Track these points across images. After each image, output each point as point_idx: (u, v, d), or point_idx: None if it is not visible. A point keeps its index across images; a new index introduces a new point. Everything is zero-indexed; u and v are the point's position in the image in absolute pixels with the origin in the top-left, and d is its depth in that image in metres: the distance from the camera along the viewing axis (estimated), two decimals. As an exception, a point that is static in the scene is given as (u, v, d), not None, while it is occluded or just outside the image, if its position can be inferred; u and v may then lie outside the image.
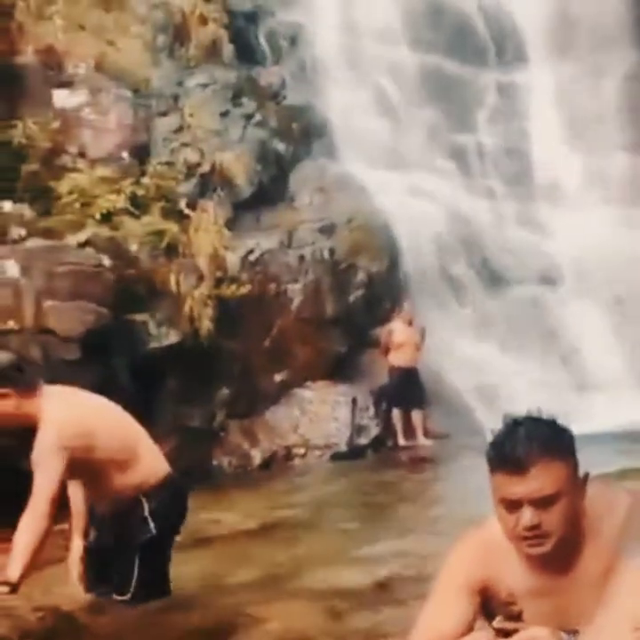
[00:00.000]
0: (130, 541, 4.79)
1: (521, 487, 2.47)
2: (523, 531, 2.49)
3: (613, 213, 13.25)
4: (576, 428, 9.20)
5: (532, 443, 2.49)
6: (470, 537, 2.79)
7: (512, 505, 2.50)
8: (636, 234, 13.08)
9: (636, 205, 13.34)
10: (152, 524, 4.80)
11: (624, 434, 10.53)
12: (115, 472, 4.73)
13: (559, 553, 2.53)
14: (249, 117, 14.11)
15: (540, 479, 2.47)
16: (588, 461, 2.63)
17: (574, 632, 2.40)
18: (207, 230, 12.83)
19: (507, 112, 14.55)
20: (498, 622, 2.51)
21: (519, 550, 2.56)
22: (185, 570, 5.49)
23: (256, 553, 6.86)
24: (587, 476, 2.58)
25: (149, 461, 4.90)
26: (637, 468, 8.00)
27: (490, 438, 2.56)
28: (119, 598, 4.77)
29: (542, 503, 2.48)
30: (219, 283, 12.44)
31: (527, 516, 2.47)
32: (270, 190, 13.50)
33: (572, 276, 12.98)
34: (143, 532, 4.79)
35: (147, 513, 4.80)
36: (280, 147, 13.96)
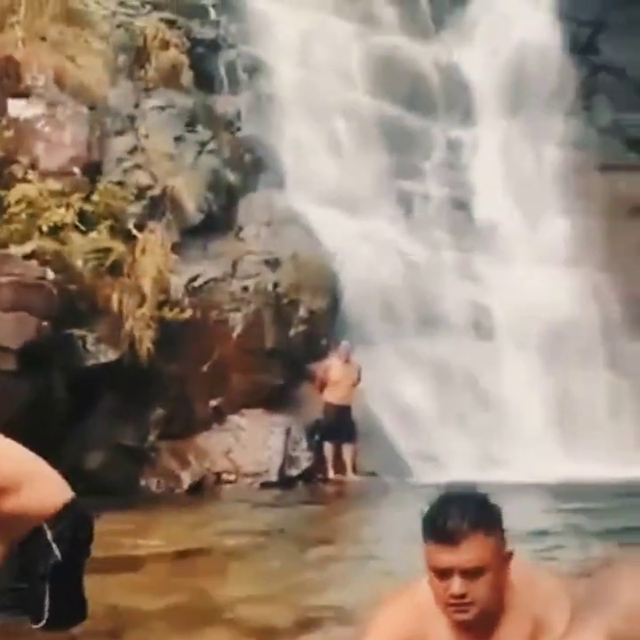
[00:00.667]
0: (37, 568, 4.70)
1: (451, 558, 2.63)
2: (450, 598, 2.65)
3: (548, 273, 13.70)
4: (499, 476, 9.54)
5: (464, 518, 2.64)
6: (400, 597, 2.92)
7: (443, 573, 2.65)
8: (567, 295, 13.57)
9: (569, 267, 13.82)
10: (57, 551, 4.71)
11: (545, 486, 10.89)
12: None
13: (482, 621, 2.70)
14: (203, 144, 14.31)
15: (469, 552, 2.63)
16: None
17: None
18: (153, 252, 12.94)
19: (453, 165, 14.97)
20: None
21: (446, 615, 2.72)
22: (99, 595, 5.42)
23: (176, 580, 6.78)
24: (511, 552, 2.74)
25: (46, 488, 4.82)
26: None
27: (424, 510, 2.72)
28: (34, 626, 4.70)
29: (470, 574, 2.63)
30: (161, 305, 12.57)
31: (456, 584, 2.63)
32: (219, 219, 13.69)
33: (505, 329, 13.38)
34: (48, 559, 4.69)
35: (50, 539, 4.71)
36: (231, 176, 14.16)
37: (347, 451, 12.51)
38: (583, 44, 15.78)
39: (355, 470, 12.47)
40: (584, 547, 7.31)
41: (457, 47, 15.75)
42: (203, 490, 11.75)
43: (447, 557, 2.64)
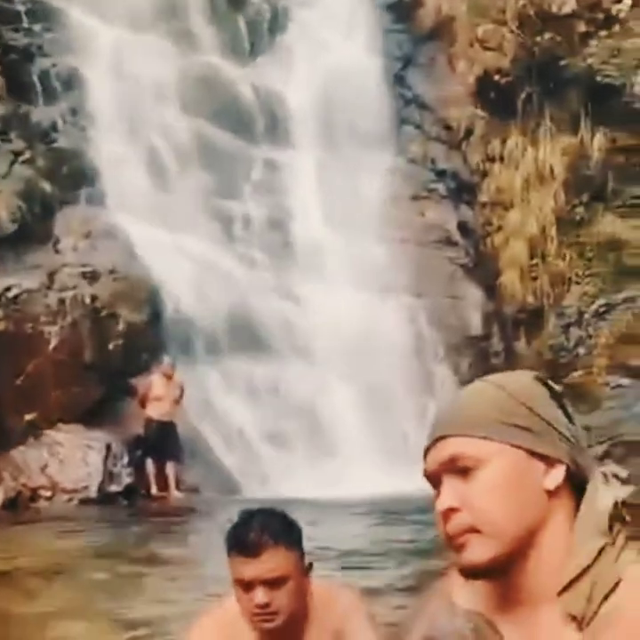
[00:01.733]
0: None
1: (253, 569, 2.80)
2: (255, 608, 2.81)
3: (365, 297, 14.04)
4: (324, 493, 9.68)
5: (264, 531, 2.82)
6: (210, 613, 3.10)
7: (246, 585, 2.82)
8: (384, 319, 13.95)
9: (385, 292, 14.21)
10: None
11: (364, 502, 11.13)
12: None
13: (287, 631, 2.86)
14: (17, 154, 13.92)
15: (270, 563, 2.80)
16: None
17: None
18: (-36, 262, 12.51)
19: (271, 188, 15.13)
20: None
21: (253, 626, 2.87)
22: None
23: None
24: (311, 564, 2.95)
25: None
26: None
27: (228, 526, 2.91)
28: None
29: (272, 584, 2.80)
30: (-27, 316, 12.12)
31: (259, 594, 2.79)
32: (35, 230, 13.33)
33: (323, 350, 13.60)
34: None
35: None
36: (47, 188, 13.82)
37: (170, 467, 12.37)
38: (394, 77, 16.30)
39: (178, 487, 12.35)
40: (402, 564, 7.47)
41: (274, 72, 15.95)
42: (18, 506, 11.33)
43: (249, 569, 2.79)
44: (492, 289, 15.05)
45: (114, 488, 12.00)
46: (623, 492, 1.62)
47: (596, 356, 13.89)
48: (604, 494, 1.60)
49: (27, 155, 14.02)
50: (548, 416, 1.62)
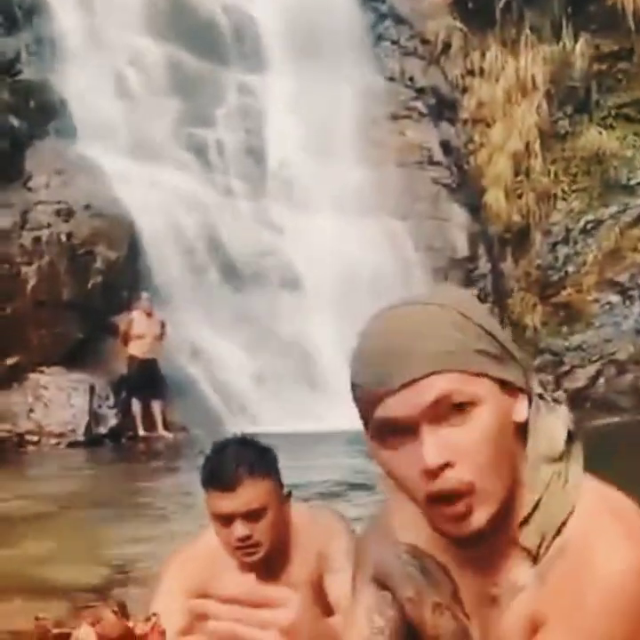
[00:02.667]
0: None
1: (230, 503, 2.72)
2: (236, 542, 2.75)
3: (345, 222, 13.74)
4: (310, 426, 9.56)
5: (239, 463, 2.73)
6: (190, 547, 3.04)
7: (225, 519, 2.75)
8: (365, 243, 13.67)
9: (366, 216, 13.91)
10: None
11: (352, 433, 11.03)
12: None
13: (270, 561, 2.82)
14: (-19, 88, 13.46)
15: (247, 495, 2.73)
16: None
17: None
18: None
19: (245, 112, 14.73)
20: None
21: (236, 560, 2.82)
22: None
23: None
24: (290, 493, 2.89)
25: None
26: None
27: (202, 460, 2.81)
28: None
29: (251, 516, 2.74)
30: (-54, 259, 11.83)
31: (238, 528, 2.73)
32: (4, 168, 12.91)
33: (305, 280, 13.35)
34: None
35: None
36: (14, 122, 13.39)
37: (155, 406, 12.19)
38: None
39: (165, 426, 12.19)
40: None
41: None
42: (5, 452, 11.15)
43: (226, 503, 2.73)
44: (476, 209, 14.79)
45: (100, 430, 11.84)
46: (564, 414, 1.46)
47: (585, 273, 13.71)
48: (549, 418, 1.43)
49: (-9, 89, 13.55)
50: (502, 337, 1.41)
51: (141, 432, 12.09)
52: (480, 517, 1.36)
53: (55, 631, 1.70)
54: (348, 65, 14.86)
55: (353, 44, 15.28)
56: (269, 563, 2.82)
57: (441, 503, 1.35)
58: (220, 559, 2.85)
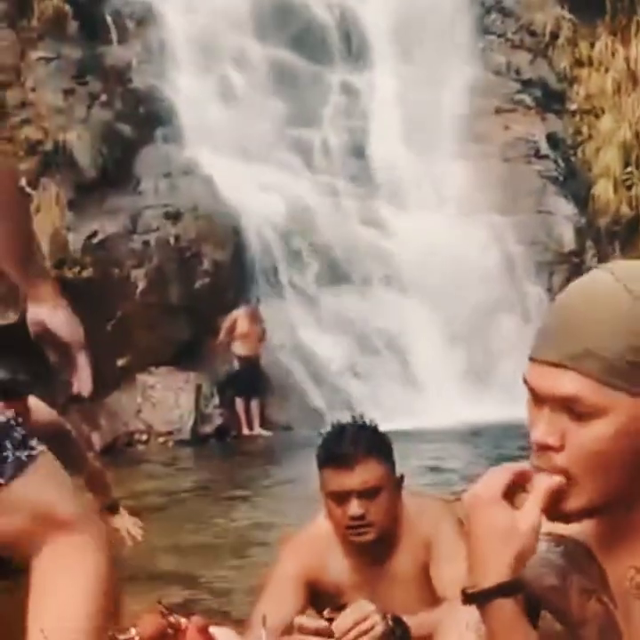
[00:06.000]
0: None
1: (348, 480, 2.79)
2: (350, 520, 2.80)
3: (449, 219, 13.70)
4: (412, 423, 9.61)
5: (358, 443, 2.82)
6: (299, 535, 3.11)
7: (340, 498, 2.81)
8: (469, 239, 13.60)
9: (470, 212, 13.84)
10: None
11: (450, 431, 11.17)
12: None
13: (380, 544, 2.86)
14: (94, 97, 13.87)
15: (365, 474, 2.80)
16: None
17: (396, 618, 2.61)
18: (48, 210, 12.62)
19: (350, 111, 14.80)
20: (327, 613, 2.72)
21: (346, 541, 2.87)
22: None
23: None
24: (402, 476, 2.95)
25: None
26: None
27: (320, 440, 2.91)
28: None
29: (367, 495, 2.79)
30: (60, 264, 12.24)
31: (354, 506, 2.78)
32: (115, 173, 13.32)
33: (409, 276, 13.36)
34: None
35: None
36: (125, 129, 13.77)
37: (254, 404, 12.37)
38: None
39: (263, 424, 12.36)
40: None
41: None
42: (115, 452, 11.53)
43: (344, 480, 2.79)
44: (584, 202, 14.55)
45: (206, 429, 12.11)
46: None
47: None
48: None
49: (104, 97, 13.96)
50: None
51: (245, 431, 12.33)
52: (570, 501, 1.37)
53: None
54: (454, 60, 14.79)
55: (459, 40, 15.19)
56: (377, 548, 2.88)
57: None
58: (328, 546, 2.94)
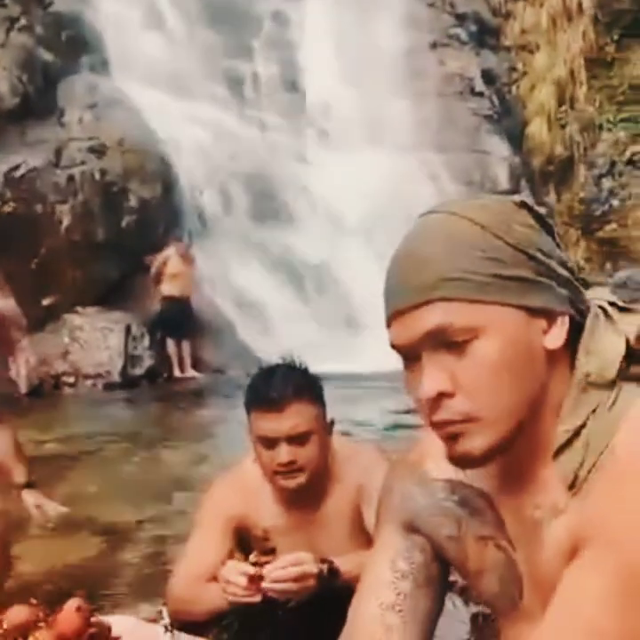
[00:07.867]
0: None
1: (276, 425, 2.68)
2: (279, 466, 2.71)
3: (385, 156, 13.45)
4: (351, 367, 9.46)
5: (287, 385, 2.69)
6: (226, 477, 3.00)
7: (269, 442, 2.71)
8: (405, 177, 13.38)
9: (406, 150, 13.60)
10: None
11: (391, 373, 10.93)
12: None
13: (311, 489, 2.78)
14: (13, 21, 13.22)
15: (295, 418, 2.69)
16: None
17: (329, 562, 2.60)
18: (-34, 142, 12.06)
19: (281, 43, 14.38)
20: (253, 557, 2.67)
21: (275, 486, 2.79)
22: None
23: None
24: (333, 421, 2.84)
25: None
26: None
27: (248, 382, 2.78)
28: None
29: (297, 440, 2.70)
30: (-21, 199, 11.75)
31: (283, 452, 2.69)
32: (37, 103, 12.75)
33: (341, 214, 13.12)
34: None
35: None
36: (47, 56, 13.17)
37: (185, 346, 12.08)
38: None
39: (195, 366, 12.09)
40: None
41: None
42: (42, 394, 11.16)
43: (273, 425, 2.69)
44: (518, 141, 14.41)
45: (136, 371, 11.78)
46: (632, 324, 1.36)
47: (631, 207, 13.33)
48: (606, 340, 1.34)
49: (23, 21, 13.31)
50: (542, 253, 1.33)
51: (177, 373, 12.04)
52: (477, 442, 1.33)
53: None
54: (390, -1, 14.43)
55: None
56: (308, 490, 2.79)
57: (440, 427, 1.35)
58: (256, 490, 2.86)
